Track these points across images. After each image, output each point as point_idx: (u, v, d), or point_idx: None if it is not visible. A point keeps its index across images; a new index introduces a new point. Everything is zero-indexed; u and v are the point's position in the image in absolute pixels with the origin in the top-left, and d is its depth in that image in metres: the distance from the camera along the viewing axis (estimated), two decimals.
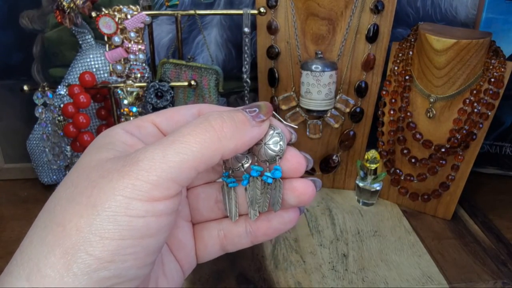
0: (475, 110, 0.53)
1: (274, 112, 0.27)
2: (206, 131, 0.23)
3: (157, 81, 0.55)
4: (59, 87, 0.54)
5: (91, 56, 0.58)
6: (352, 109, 0.61)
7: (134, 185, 0.21)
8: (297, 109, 0.61)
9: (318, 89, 0.56)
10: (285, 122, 0.27)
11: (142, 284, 0.24)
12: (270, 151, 0.26)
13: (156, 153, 0.22)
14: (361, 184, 0.61)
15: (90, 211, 0.21)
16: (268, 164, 0.26)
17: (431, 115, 0.56)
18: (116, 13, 0.54)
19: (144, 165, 0.22)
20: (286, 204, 0.27)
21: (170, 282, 0.28)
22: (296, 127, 0.28)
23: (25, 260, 0.21)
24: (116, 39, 0.55)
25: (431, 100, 0.56)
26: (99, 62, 0.59)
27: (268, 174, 0.26)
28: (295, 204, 0.27)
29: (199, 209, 0.30)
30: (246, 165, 0.27)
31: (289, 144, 0.27)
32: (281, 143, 0.26)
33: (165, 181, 0.22)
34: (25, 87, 0.54)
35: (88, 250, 0.20)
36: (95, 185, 0.22)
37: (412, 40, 0.57)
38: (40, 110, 0.55)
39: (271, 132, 0.26)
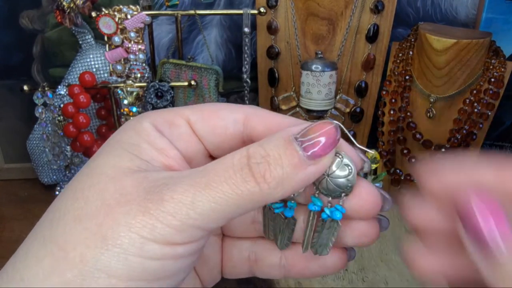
0: (475, 110, 0.53)
1: (346, 132, 0.21)
2: (245, 182, 0.19)
3: (157, 81, 0.55)
4: (59, 87, 0.54)
5: (91, 56, 0.58)
6: (352, 109, 0.61)
7: (153, 227, 0.18)
8: (297, 109, 0.61)
9: (318, 89, 0.56)
10: (359, 145, 0.22)
11: None
12: (334, 185, 0.20)
13: (185, 196, 0.19)
14: None
15: (99, 243, 0.18)
16: (330, 198, 0.21)
17: (431, 115, 0.56)
18: (116, 13, 0.54)
19: (169, 208, 0.19)
20: (340, 242, 0.23)
21: None
22: (373, 152, 0.23)
23: (16, 279, 0.18)
24: (116, 39, 0.55)
25: (431, 100, 0.56)
26: (99, 62, 0.59)
27: (328, 212, 0.21)
28: (351, 244, 0.23)
29: (231, 226, 0.26)
30: (297, 193, 0.22)
31: (359, 174, 0.21)
32: (349, 177, 0.20)
33: (190, 228, 0.19)
34: (25, 87, 0.54)
35: (91, 286, 0.18)
36: (109, 213, 0.19)
37: (412, 40, 0.57)
38: (40, 110, 0.55)
39: (337, 159, 0.20)
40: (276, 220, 0.23)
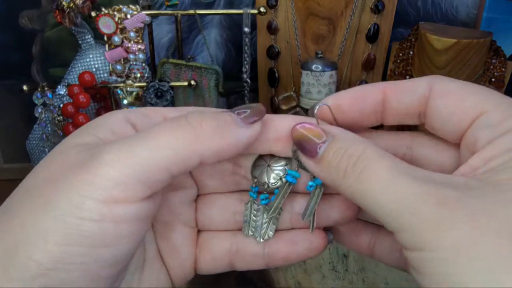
0: None
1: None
2: (180, 126, 0.20)
3: (157, 81, 0.55)
4: (59, 87, 0.54)
5: (90, 56, 0.58)
6: None
7: (92, 182, 0.18)
8: (297, 109, 0.61)
9: (318, 89, 0.56)
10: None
11: None
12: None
13: (123, 147, 0.19)
14: None
15: (40, 209, 0.18)
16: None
17: None
18: (115, 12, 0.54)
19: (107, 159, 0.19)
20: (327, 218, 0.25)
21: None
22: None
23: None
24: (116, 39, 0.54)
25: None
26: (99, 62, 0.58)
27: (312, 182, 0.25)
28: (338, 218, 0.25)
29: (211, 217, 0.27)
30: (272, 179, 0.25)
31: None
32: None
33: (129, 179, 0.19)
34: (25, 87, 0.54)
35: (28, 252, 0.18)
36: (53, 180, 0.19)
37: (413, 40, 0.57)
38: (39, 110, 0.55)
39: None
40: (258, 213, 0.25)
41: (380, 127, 0.26)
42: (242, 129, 0.22)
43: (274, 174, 0.25)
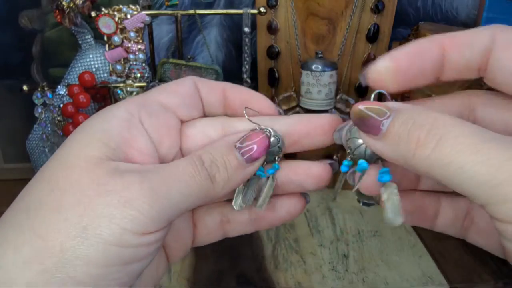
0: None
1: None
2: (205, 179, 0.23)
3: (157, 81, 0.55)
4: (59, 87, 0.54)
5: (90, 56, 0.58)
6: None
7: (133, 217, 0.20)
8: (297, 109, 0.61)
9: (318, 89, 0.56)
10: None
11: None
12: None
13: (161, 187, 0.21)
14: None
15: (80, 233, 0.19)
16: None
17: None
18: (115, 12, 0.54)
19: (147, 198, 0.20)
20: (302, 188, 0.27)
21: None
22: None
23: None
24: (116, 39, 0.54)
25: None
26: (99, 62, 0.58)
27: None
28: (312, 189, 0.26)
29: None
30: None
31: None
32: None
33: (164, 217, 0.21)
34: (25, 87, 0.54)
35: (69, 273, 0.19)
36: (89, 203, 0.20)
37: (413, 40, 0.57)
38: (39, 110, 0.55)
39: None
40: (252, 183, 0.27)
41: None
42: (247, 168, 0.24)
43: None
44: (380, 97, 0.24)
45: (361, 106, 0.22)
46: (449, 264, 0.52)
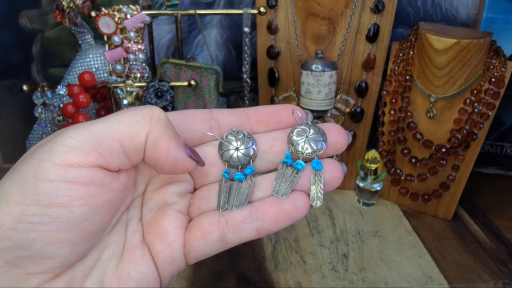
0: (476, 110, 0.53)
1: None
2: (140, 110, 0.23)
3: (157, 81, 0.55)
4: (59, 87, 0.54)
5: (90, 56, 0.58)
6: (353, 109, 0.60)
7: (51, 148, 0.21)
8: None
9: (318, 89, 0.56)
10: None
11: (68, 274, 0.22)
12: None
13: (85, 124, 0.22)
14: (361, 184, 0.61)
15: (7, 176, 0.21)
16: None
17: (431, 115, 0.56)
18: (115, 12, 0.54)
19: (68, 131, 0.21)
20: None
21: (124, 282, 0.24)
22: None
23: None
24: (116, 39, 0.54)
25: (432, 100, 0.56)
26: (99, 62, 0.58)
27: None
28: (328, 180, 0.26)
29: (200, 208, 0.27)
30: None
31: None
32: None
33: (84, 146, 0.21)
34: (25, 87, 0.54)
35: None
36: (26, 156, 0.22)
37: (413, 40, 0.57)
38: (39, 110, 0.55)
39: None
40: (232, 188, 0.27)
41: None
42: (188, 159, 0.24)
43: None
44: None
45: None
46: (449, 264, 0.52)
